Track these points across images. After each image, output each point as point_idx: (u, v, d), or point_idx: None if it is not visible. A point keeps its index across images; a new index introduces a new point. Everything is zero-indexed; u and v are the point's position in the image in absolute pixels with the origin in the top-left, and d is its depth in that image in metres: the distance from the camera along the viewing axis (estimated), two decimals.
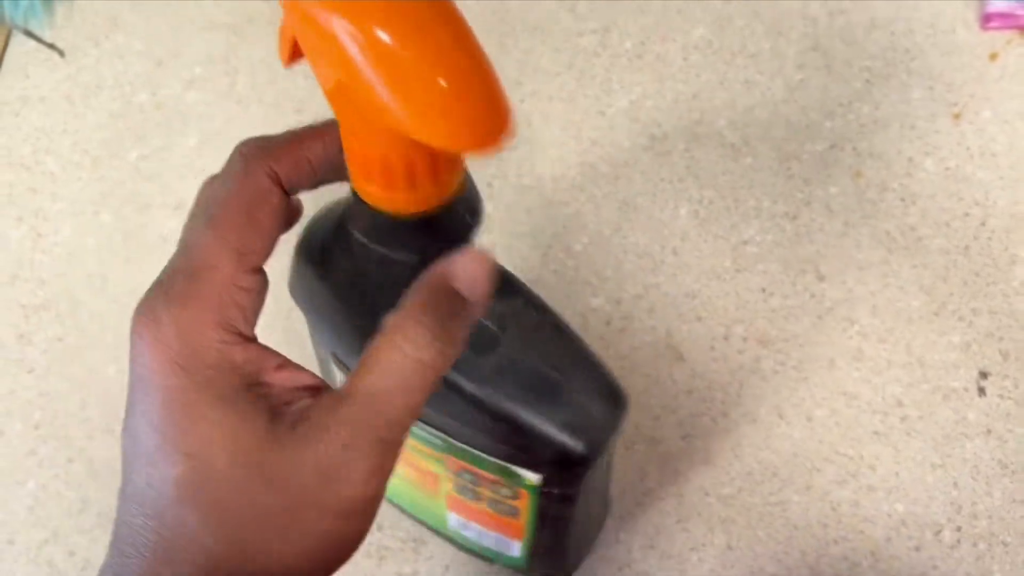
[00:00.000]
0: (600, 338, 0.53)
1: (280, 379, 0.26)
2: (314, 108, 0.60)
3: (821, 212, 0.55)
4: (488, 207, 0.57)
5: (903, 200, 0.55)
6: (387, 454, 0.25)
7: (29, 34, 0.63)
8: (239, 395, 0.25)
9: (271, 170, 0.27)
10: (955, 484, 0.49)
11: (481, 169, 0.57)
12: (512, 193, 0.57)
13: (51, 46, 0.63)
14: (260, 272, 0.27)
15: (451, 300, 0.25)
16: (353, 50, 0.22)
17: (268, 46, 0.63)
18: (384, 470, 0.25)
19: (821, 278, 0.54)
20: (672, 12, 0.61)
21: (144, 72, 0.62)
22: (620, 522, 0.48)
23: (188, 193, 0.62)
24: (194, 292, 0.25)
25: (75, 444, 0.51)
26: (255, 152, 0.27)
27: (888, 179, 0.56)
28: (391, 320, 0.25)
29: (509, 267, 0.57)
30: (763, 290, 0.53)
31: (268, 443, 0.24)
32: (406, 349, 0.24)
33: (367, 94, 0.22)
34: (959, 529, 0.48)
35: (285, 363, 0.26)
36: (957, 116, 0.57)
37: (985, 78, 0.58)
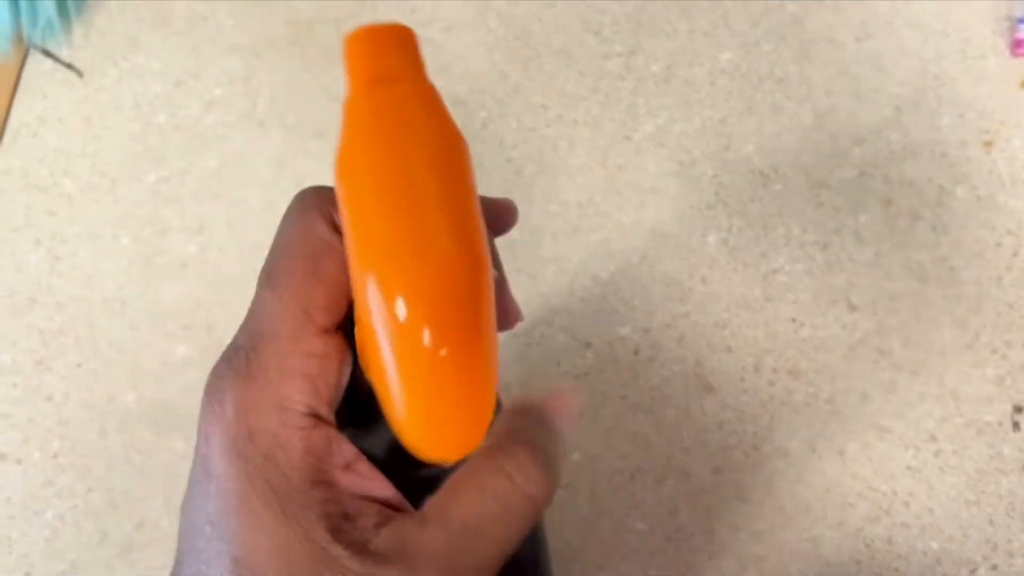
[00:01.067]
0: (629, 368, 0.52)
1: (348, 483, 0.22)
2: (335, 131, 0.59)
3: (851, 241, 0.54)
4: (514, 234, 0.56)
5: (934, 229, 0.55)
6: None
7: (47, 53, 0.62)
8: (297, 496, 0.21)
9: (332, 217, 0.23)
10: (990, 521, 0.48)
11: (507, 193, 0.56)
12: (538, 219, 0.56)
13: (69, 66, 0.62)
14: (334, 333, 0.22)
15: (555, 437, 0.22)
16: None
17: (288, 68, 0.62)
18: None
19: (852, 308, 0.53)
20: (699, 36, 0.61)
21: (163, 93, 0.61)
22: (650, 558, 0.48)
23: (208, 216, 0.61)
24: (256, 364, 0.22)
25: (94, 474, 0.50)
26: (314, 198, 0.23)
27: (919, 207, 0.55)
28: (489, 443, 0.22)
29: (535, 295, 0.56)
30: (793, 320, 0.53)
31: (324, 563, 0.20)
32: (516, 479, 0.21)
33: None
34: (995, 568, 0.47)
35: (356, 459, 0.22)
36: (988, 144, 0.57)
37: (1016, 105, 0.58)
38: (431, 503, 0.21)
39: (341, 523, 0.21)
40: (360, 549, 0.20)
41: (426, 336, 0.20)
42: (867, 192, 0.56)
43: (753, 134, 0.58)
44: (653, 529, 0.48)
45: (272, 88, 0.61)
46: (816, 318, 0.53)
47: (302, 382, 0.22)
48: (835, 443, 0.50)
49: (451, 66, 0.61)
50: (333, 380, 0.22)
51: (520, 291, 0.54)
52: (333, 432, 0.22)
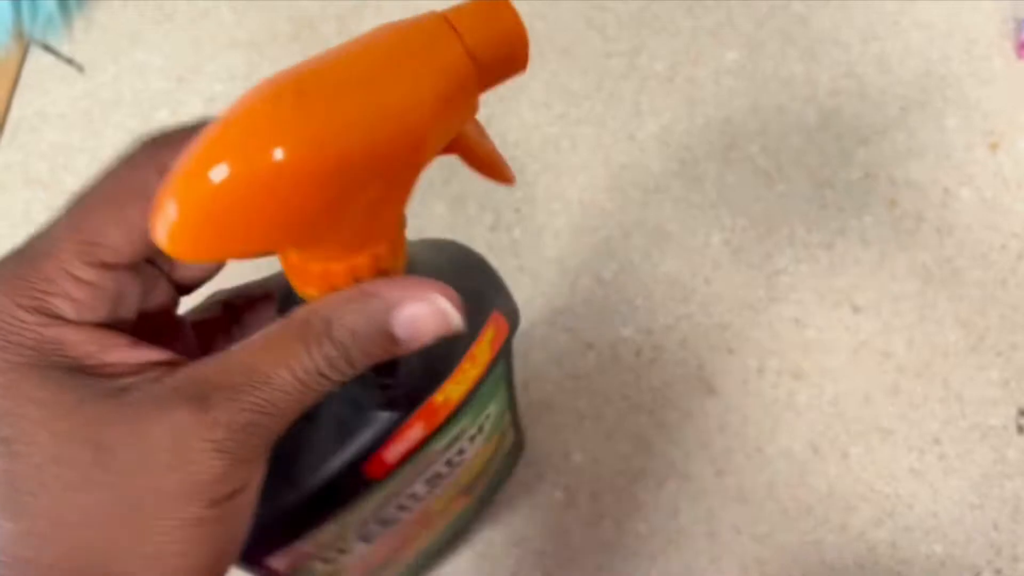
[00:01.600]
0: (630, 369, 0.51)
1: (127, 355, 0.22)
2: None
3: (856, 242, 0.54)
4: (516, 233, 0.56)
5: (939, 231, 0.54)
6: (256, 448, 0.22)
7: (47, 48, 0.62)
8: (72, 373, 0.21)
9: (164, 166, 0.22)
10: (995, 525, 0.48)
11: (508, 194, 0.56)
12: (540, 218, 0.56)
13: (69, 61, 0.62)
14: (113, 270, 0.23)
15: (384, 344, 0.23)
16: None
17: (290, 64, 0.61)
18: (251, 464, 0.22)
19: (856, 310, 0.52)
20: (703, 35, 0.60)
21: (164, 89, 0.61)
22: (651, 561, 0.47)
23: None
24: (20, 275, 0.22)
25: None
26: (151, 142, 0.23)
27: (924, 209, 0.55)
28: (312, 314, 0.23)
29: (537, 295, 0.56)
30: (797, 321, 0.52)
31: (107, 416, 0.21)
32: (308, 362, 0.22)
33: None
34: (999, 572, 0.47)
35: (138, 343, 0.23)
36: (994, 146, 0.56)
37: (1021, 108, 0.57)
38: (223, 352, 0.22)
39: (125, 385, 0.22)
40: (143, 395, 0.22)
41: None
42: (872, 193, 0.55)
43: (757, 134, 0.57)
44: (654, 531, 0.48)
45: None
46: (820, 319, 0.52)
47: (64, 301, 0.23)
48: (838, 445, 0.49)
49: None
50: (102, 312, 0.23)
51: (522, 291, 0.54)
52: (112, 330, 0.23)
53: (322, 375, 0.22)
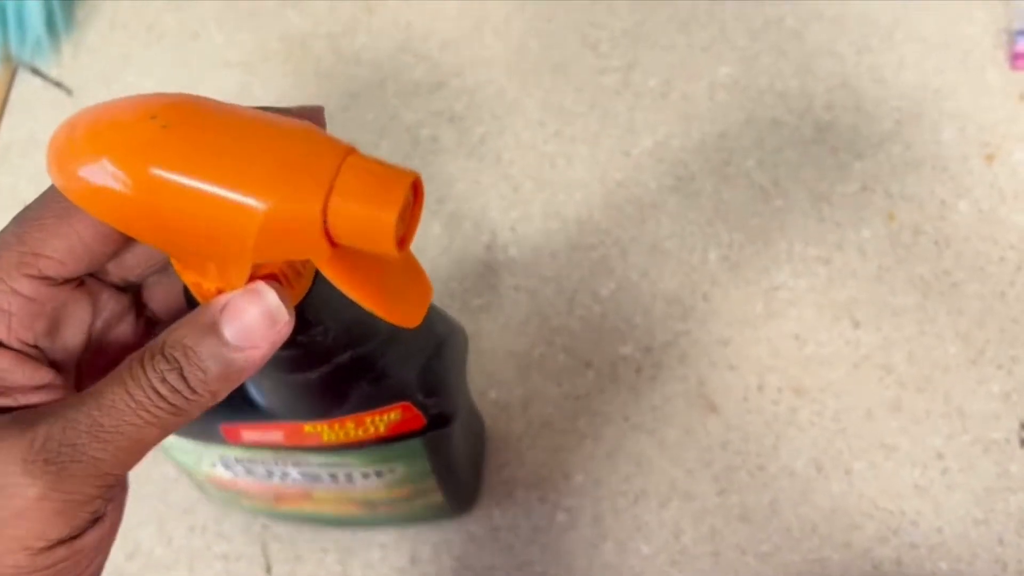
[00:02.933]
0: (630, 388, 0.51)
1: (20, 378, 0.23)
2: None
3: (854, 256, 0.54)
4: (512, 252, 0.56)
5: (937, 243, 0.54)
6: (86, 481, 0.21)
7: (36, 71, 0.62)
8: None
9: None
10: (1000, 540, 0.47)
11: (505, 212, 0.56)
12: (536, 236, 0.55)
13: (58, 84, 0.61)
14: (54, 285, 0.23)
15: (219, 354, 0.22)
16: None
17: (282, 85, 0.61)
18: (84, 508, 0.21)
19: (856, 324, 0.52)
20: (697, 50, 0.60)
21: None
22: None
23: None
24: None
25: None
26: None
27: (921, 221, 0.55)
28: (158, 338, 0.22)
29: (534, 314, 0.56)
30: (797, 337, 0.52)
31: None
32: (142, 378, 0.21)
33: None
34: None
35: (39, 367, 0.23)
36: (990, 157, 0.56)
37: (1016, 119, 0.57)
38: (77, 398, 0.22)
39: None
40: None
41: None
42: (869, 206, 0.55)
43: (753, 148, 0.57)
44: (657, 552, 0.47)
45: (266, 104, 0.60)
46: (819, 334, 0.52)
47: None
48: (841, 462, 0.49)
49: (448, 82, 0.60)
50: (41, 327, 0.23)
51: (519, 310, 0.53)
52: (27, 356, 0.23)
53: (159, 395, 0.21)
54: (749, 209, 0.55)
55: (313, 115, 0.25)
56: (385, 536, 0.49)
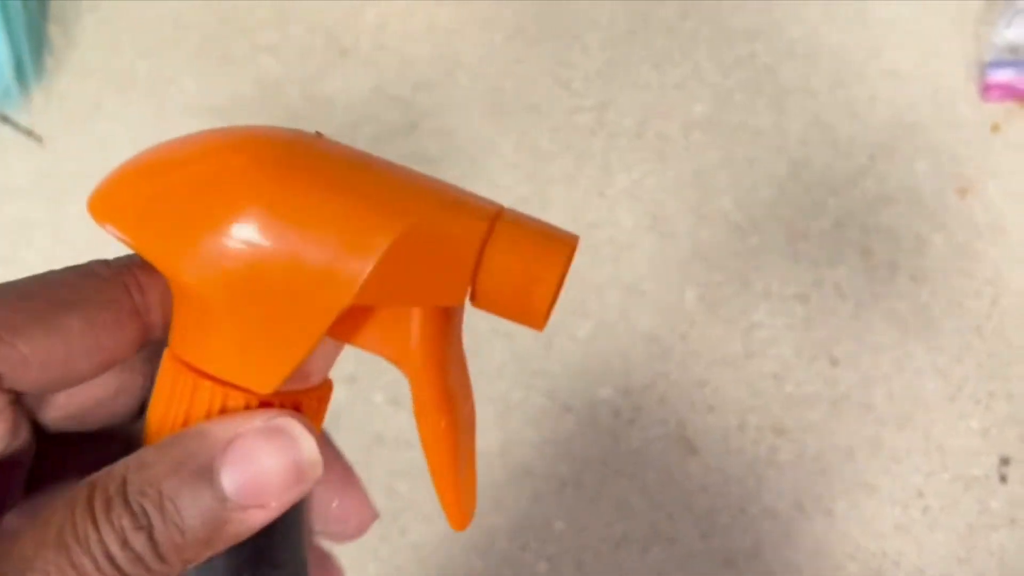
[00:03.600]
0: (610, 432, 0.51)
1: None
2: None
3: (831, 293, 0.54)
4: None
5: (913, 279, 0.54)
6: None
7: (5, 120, 0.61)
8: None
9: (137, 281, 0.18)
10: None
11: None
12: None
13: (29, 132, 0.61)
14: (15, 404, 0.17)
15: (209, 509, 0.16)
16: None
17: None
18: None
19: (835, 363, 0.52)
20: (670, 88, 0.60)
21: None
22: None
23: None
24: None
25: None
26: (116, 260, 0.18)
27: (897, 257, 0.55)
28: (107, 473, 0.16)
29: (512, 357, 0.55)
30: (776, 376, 0.52)
31: None
32: (93, 540, 0.15)
33: None
34: None
35: None
36: (963, 191, 0.56)
37: (989, 151, 0.58)
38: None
39: None
40: None
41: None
42: (845, 242, 0.55)
43: (728, 186, 0.57)
44: None
45: None
46: (799, 373, 0.52)
47: None
48: (822, 502, 0.49)
49: (422, 123, 0.60)
50: None
51: (496, 354, 0.53)
52: None
53: (113, 564, 0.15)
54: (726, 248, 0.55)
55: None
56: None
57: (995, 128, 0.59)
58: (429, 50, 0.62)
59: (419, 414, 0.17)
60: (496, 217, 0.17)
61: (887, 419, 0.51)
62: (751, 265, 0.55)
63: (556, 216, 0.56)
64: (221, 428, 0.16)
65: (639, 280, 0.55)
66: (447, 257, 0.17)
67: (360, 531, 0.21)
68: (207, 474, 0.16)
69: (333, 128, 0.60)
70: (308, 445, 0.16)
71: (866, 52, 0.61)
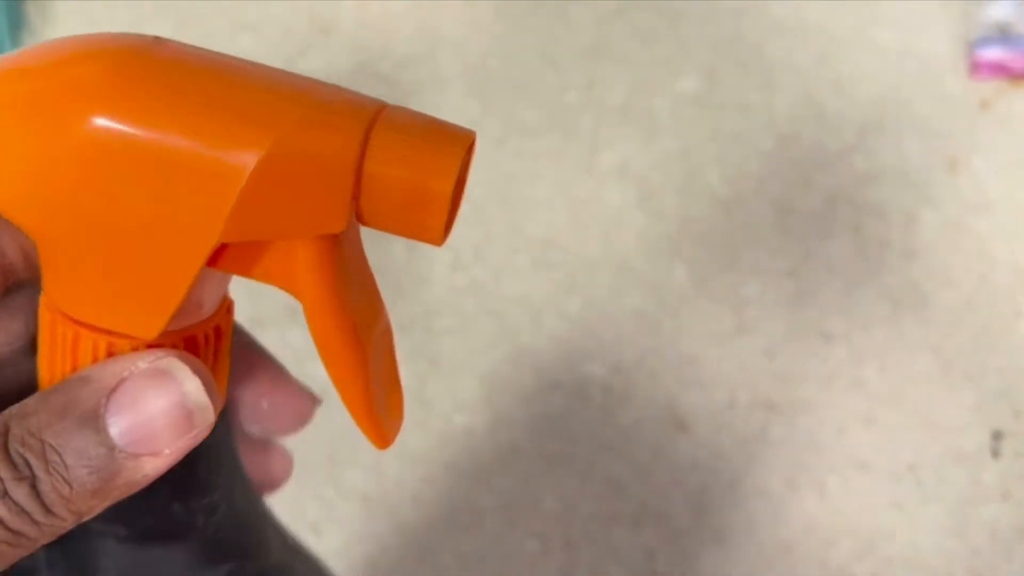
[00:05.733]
0: (599, 408, 0.50)
1: None
2: None
3: (822, 269, 0.53)
4: (477, 272, 0.55)
5: (904, 254, 0.54)
6: None
7: None
8: None
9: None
10: (975, 551, 0.47)
11: (468, 231, 0.55)
12: (501, 256, 0.54)
13: None
14: None
15: (96, 454, 0.15)
16: None
17: None
18: None
19: (826, 338, 0.52)
20: (658, 65, 0.60)
21: None
22: None
23: None
24: None
25: None
26: None
27: (887, 233, 0.54)
28: None
29: (500, 335, 0.55)
30: (766, 351, 0.51)
31: None
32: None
33: None
34: None
35: None
36: (953, 167, 0.56)
37: (977, 127, 0.57)
38: None
39: None
40: None
41: None
42: (835, 218, 0.55)
43: (716, 163, 0.57)
44: None
45: None
46: (789, 349, 0.51)
47: None
48: (814, 478, 0.48)
49: (405, 101, 0.59)
50: None
51: (485, 332, 0.52)
52: None
53: None
54: (714, 224, 0.55)
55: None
56: None
57: (984, 105, 0.58)
58: (412, 27, 0.61)
59: (318, 345, 0.16)
60: (373, 120, 0.15)
61: (879, 394, 0.50)
62: (740, 241, 0.54)
63: (544, 193, 0.56)
64: (106, 372, 0.15)
65: (628, 256, 0.54)
66: (321, 176, 0.15)
67: (301, 422, 0.20)
68: (92, 421, 0.15)
69: None
70: (194, 387, 0.15)
71: (854, 29, 0.60)
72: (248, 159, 0.15)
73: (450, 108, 0.58)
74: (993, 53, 0.58)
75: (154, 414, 0.15)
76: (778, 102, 0.58)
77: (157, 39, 0.16)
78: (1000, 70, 0.58)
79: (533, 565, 0.47)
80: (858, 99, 0.58)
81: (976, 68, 0.58)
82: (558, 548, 0.47)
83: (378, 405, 0.17)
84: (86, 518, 0.15)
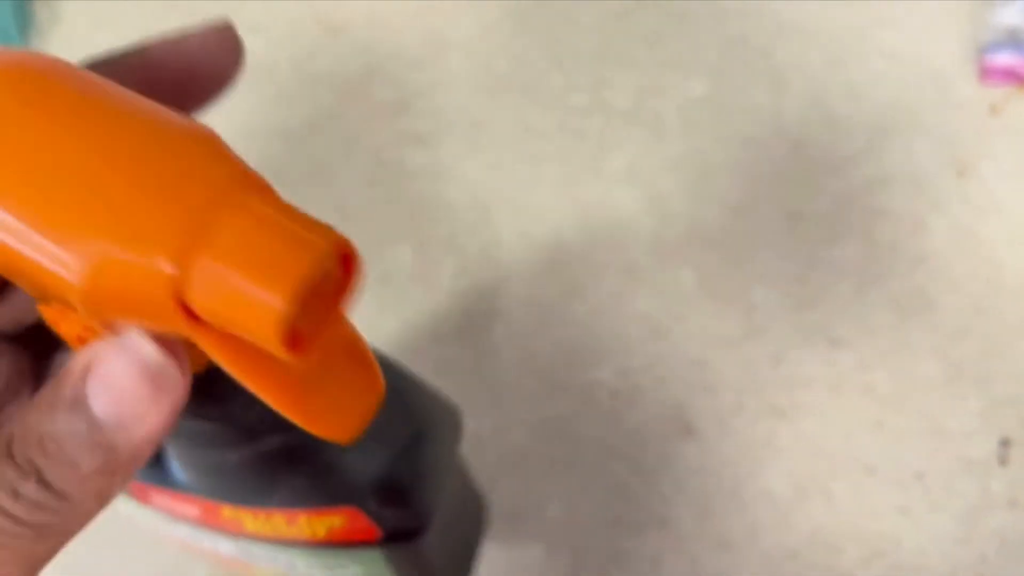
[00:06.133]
0: (606, 412, 0.50)
1: None
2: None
3: (830, 274, 0.53)
4: (483, 275, 0.55)
5: (913, 260, 0.53)
6: None
7: None
8: None
9: None
10: (982, 559, 0.47)
11: (474, 235, 0.55)
12: (507, 260, 0.54)
13: None
14: None
15: (87, 439, 0.16)
16: None
17: (243, 110, 0.60)
18: None
19: (834, 343, 0.51)
20: (666, 67, 0.59)
21: None
22: None
23: None
24: None
25: None
26: None
27: (896, 238, 0.54)
28: None
29: (507, 338, 0.54)
30: (774, 356, 0.51)
31: None
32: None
33: None
34: None
35: None
36: (962, 172, 0.56)
37: (987, 133, 0.57)
38: None
39: None
40: None
41: None
42: (844, 223, 0.54)
43: (725, 166, 0.56)
44: None
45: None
46: (797, 354, 0.51)
47: None
48: (821, 484, 0.48)
49: (413, 102, 0.59)
50: None
51: (492, 336, 0.52)
52: None
53: (12, 518, 0.15)
54: (723, 228, 0.55)
55: (221, 40, 0.19)
56: None
57: (994, 110, 0.58)
58: (421, 30, 0.61)
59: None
60: (195, 244, 0.13)
61: (887, 400, 0.50)
62: (748, 245, 0.54)
63: (550, 197, 0.56)
64: (81, 358, 0.16)
65: (635, 260, 0.54)
66: (139, 291, 0.14)
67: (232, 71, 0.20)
68: (78, 405, 0.16)
69: (322, 108, 0.59)
70: (148, 349, 0.16)
71: (863, 33, 0.60)
72: (72, 276, 0.14)
73: (457, 109, 0.58)
74: (1003, 58, 0.58)
75: (124, 384, 0.16)
76: (787, 105, 0.58)
77: (42, 74, 0.16)
78: (1010, 75, 0.58)
79: (539, 571, 0.47)
80: (867, 103, 0.58)
81: (986, 73, 0.58)
82: (564, 553, 0.47)
83: (329, 403, 0.16)
84: (113, 495, 0.16)
